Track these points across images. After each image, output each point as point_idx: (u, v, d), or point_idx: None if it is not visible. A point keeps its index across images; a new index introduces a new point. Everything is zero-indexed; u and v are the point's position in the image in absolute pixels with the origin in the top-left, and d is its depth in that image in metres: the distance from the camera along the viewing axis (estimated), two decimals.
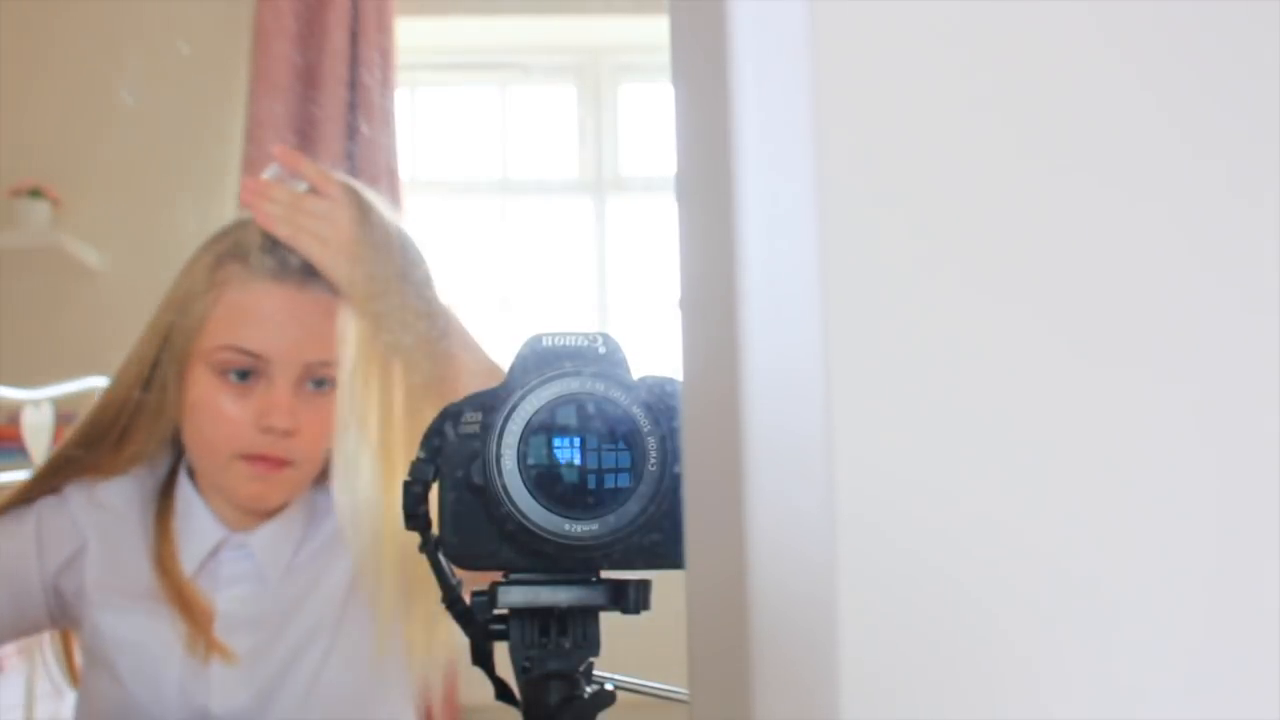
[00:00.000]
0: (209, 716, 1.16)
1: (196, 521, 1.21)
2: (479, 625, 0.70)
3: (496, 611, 0.69)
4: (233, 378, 1.16)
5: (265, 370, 1.15)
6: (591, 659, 0.69)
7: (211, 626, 1.17)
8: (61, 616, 1.20)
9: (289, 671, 1.18)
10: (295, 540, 1.22)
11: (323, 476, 1.23)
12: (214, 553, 1.20)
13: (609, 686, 0.69)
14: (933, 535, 0.40)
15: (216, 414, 1.16)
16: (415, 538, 0.71)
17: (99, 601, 1.18)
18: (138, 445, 1.20)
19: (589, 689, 0.68)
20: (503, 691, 0.71)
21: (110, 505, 1.20)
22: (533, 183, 3.10)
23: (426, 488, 0.70)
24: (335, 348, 1.16)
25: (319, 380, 1.17)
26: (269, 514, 1.22)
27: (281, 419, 1.15)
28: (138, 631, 1.17)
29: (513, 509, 0.65)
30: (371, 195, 1.24)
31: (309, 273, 1.16)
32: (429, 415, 0.70)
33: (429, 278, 1.22)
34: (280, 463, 1.18)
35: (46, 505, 1.20)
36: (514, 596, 0.68)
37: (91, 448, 1.20)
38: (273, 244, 1.16)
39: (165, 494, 1.22)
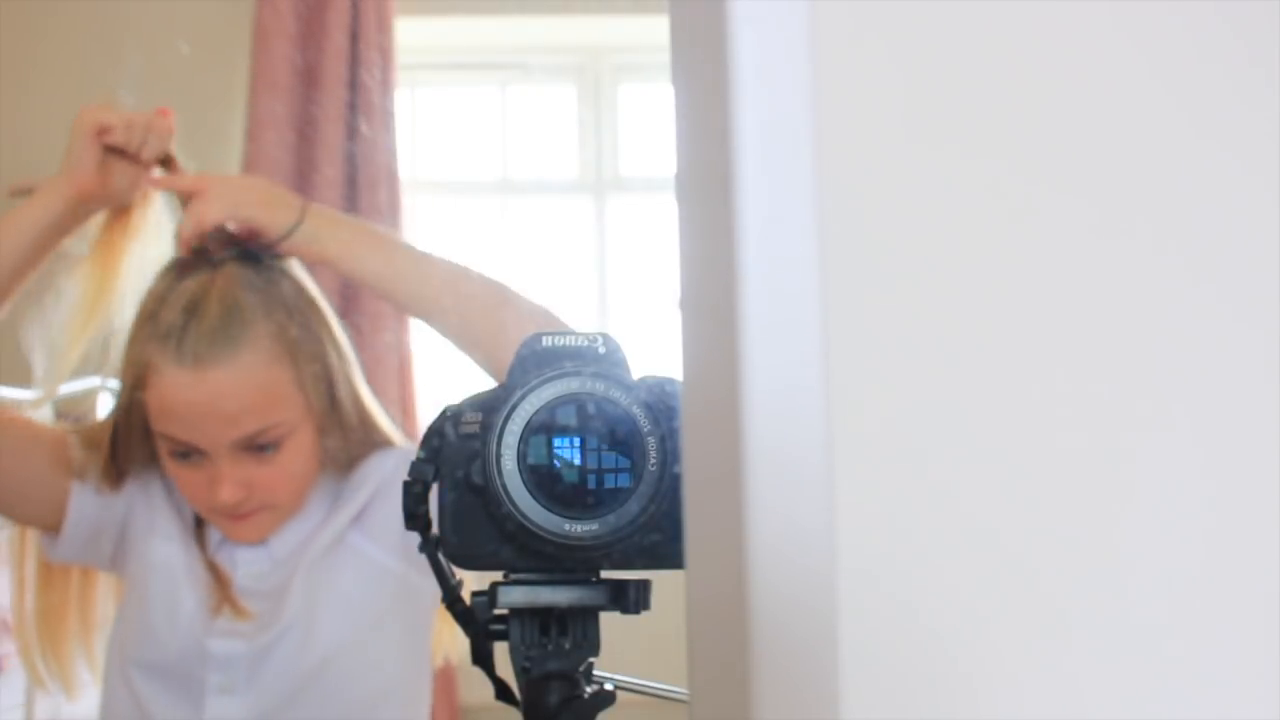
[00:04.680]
0: (205, 653, 1.19)
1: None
2: (479, 625, 0.70)
3: (496, 611, 0.69)
4: (180, 456, 1.17)
5: (202, 452, 1.16)
6: (591, 659, 0.69)
7: (230, 589, 1.21)
8: (117, 555, 1.26)
9: (287, 632, 1.20)
10: (312, 528, 1.24)
11: (343, 466, 1.24)
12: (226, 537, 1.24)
13: (609, 686, 0.69)
14: (932, 534, 0.40)
15: (180, 483, 1.20)
16: None
17: (150, 532, 1.23)
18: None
19: (589, 689, 0.68)
20: (503, 691, 0.71)
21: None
22: (533, 183, 3.10)
23: (426, 488, 0.70)
24: (267, 416, 1.15)
25: (260, 446, 1.17)
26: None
27: (228, 494, 1.16)
28: (173, 558, 1.22)
29: (513, 509, 0.65)
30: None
31: (219, 351, 1.14)
32: None
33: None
34: (251, 514, 1.20)
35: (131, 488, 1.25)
36: (514, 596, 0.68)
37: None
38: (181, 324, 1.15)
39: None
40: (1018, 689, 0.40)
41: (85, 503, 1.22)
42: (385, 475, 1.24)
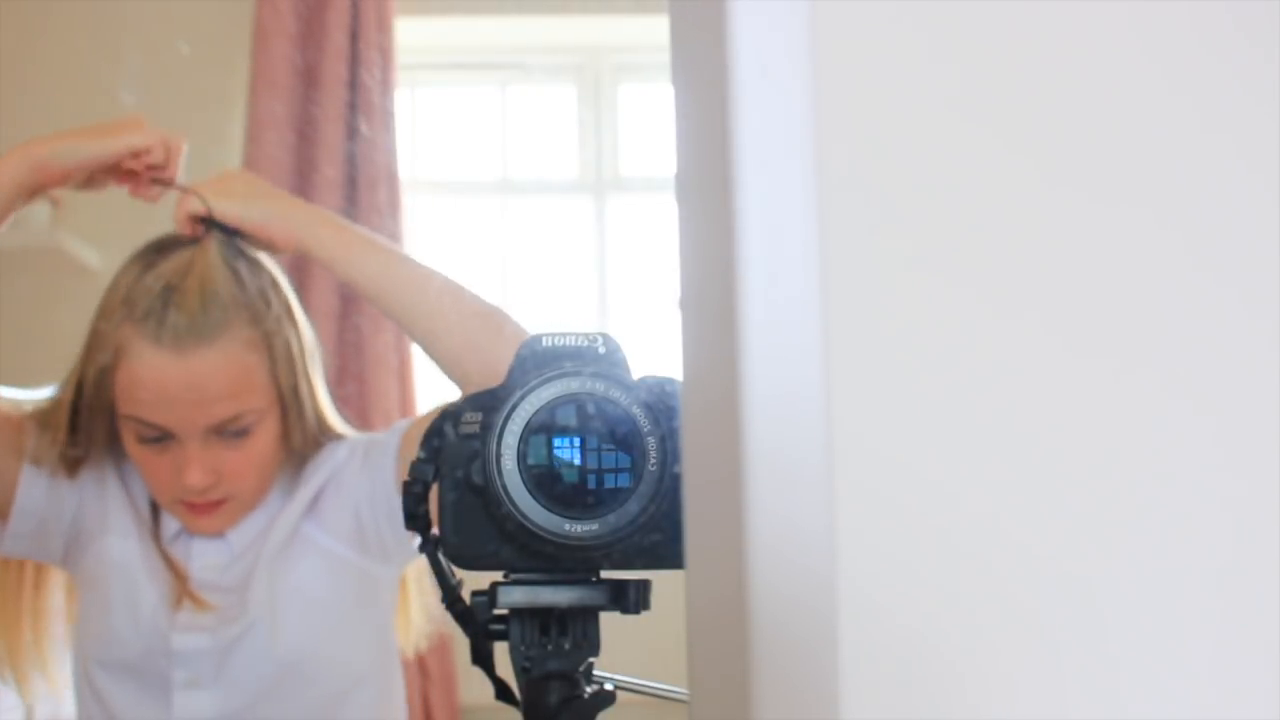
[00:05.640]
0: (169, 649, 1.18)
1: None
2: (479, 625, 0.70)
3: (496, 611, 0.69)
4: (148, 440, 1.16)
5: (173, 435, 1.15)
6: (591, 659, 0.69)
7: (187, 583, 1.20)
8: (69, 552, 1.24)
9: (253, 626, 1.19)
10: (268, 520, 1.24)
11: (298, 461, 1.24)
12: (184, 528, 1.23)
13: (609, 686, 0.69)
14: (931, 535, 0.40)
15: (144, 469, 1.19)
16: None
17: (104, 529, 1.22)
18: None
19: (589, 689, 0.68)
20: (503, 691, 0.71)
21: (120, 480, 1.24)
22: (533, 183, 3.10)
23: (426, 488, 0.70)
24: (241, 402, 1.15)
25: (232, 432, 1.17)
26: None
27: (196, 478, 1.15)
28: (130, 554, 1.20)
29: (513, 509, 0.65)
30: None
31: (198, 334, 1.14)
32: None
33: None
34: (213, 504, 1.19)
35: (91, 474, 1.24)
36: (514, 596, 0.68)
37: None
38: (160, 305, 1.14)
39: None
40: (1017, 689, 0.40)
41: (35, 490, 1.20)
42: (336, 465, 1.23)
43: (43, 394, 1.28)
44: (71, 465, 1.21)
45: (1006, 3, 0.42)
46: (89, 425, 1.19)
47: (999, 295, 0.41)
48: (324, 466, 1.24)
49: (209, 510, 1.19)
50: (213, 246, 1.18)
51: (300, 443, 1.23)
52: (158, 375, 1.13)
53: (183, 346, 1.13)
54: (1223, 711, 0.40)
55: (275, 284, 1.21)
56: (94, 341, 1.17)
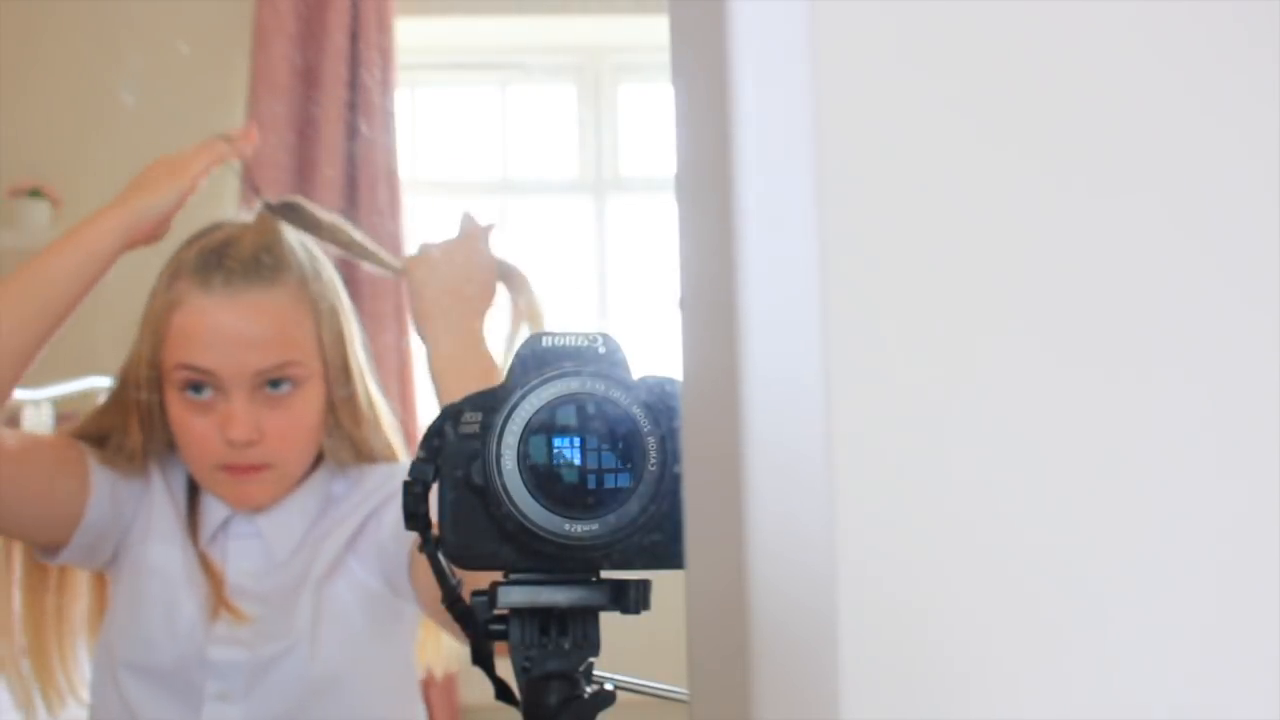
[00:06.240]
0: (205, 660, 1.19)
1: (209, 499, 1.25)
2: (479, 625, 0.70)
3: (496, 611, 0.69)
4: (191, 394, 1.18)
5: (219, 384, 1.18)
6: (591, 659, 0.69)
7: (224, 590, 1.21)
8: (112, 560, 1.25)
9: (294, 648, 1.19)
10: (307, 523, 1.24)
11: (349, 451, 1.25)
12: (224, 525, 1.24)
13: (609, 686, 0.69)
14: (932, 534, 0.40)
15: (187, 431, 1.20)
16: None
17: (147, 534, 1.23)
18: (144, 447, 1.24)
19: (589, 689, 0.68)
20: (503, 691, 0.71)
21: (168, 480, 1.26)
22: (533, 183, 3.10)
23: (426, 488, 0.70)
24: (287, 351, 1.18)
25: (276, 382, 1.19)
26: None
27: (239, 431, 1.17)
28: (171, 561, 1.22)
29: (513, 509, 0.65)
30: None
31: (250, 280, 1.18)
32: None
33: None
34: (255, 468, 1.20)
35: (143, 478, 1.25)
36: (514, 596, 0.68)
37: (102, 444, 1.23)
38: (215, 256, 1.19)
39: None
40: (1017, 689, 0.40)
41: (101, 500, 1.21)
42: (384, 496, 1.24)
43: (42, 394, 1.28)
44: (142, 457, 1.22)
45: (1007, 2, 0.42)
46: (150, 407, 1.21)
47: (999, 294, 0.41)
48: (375, 493, 1.25)
49: (250, 474, 1.20)
50: (272, 218, 1.23)
51: (350, 422, 1.24)
52: (209, 318, 1.17)
53: (234, 289, 1.18)
54: (1223, 711, 0.40)
55: (325, 265, 1.26)
56: (148, 312, 1.21)
